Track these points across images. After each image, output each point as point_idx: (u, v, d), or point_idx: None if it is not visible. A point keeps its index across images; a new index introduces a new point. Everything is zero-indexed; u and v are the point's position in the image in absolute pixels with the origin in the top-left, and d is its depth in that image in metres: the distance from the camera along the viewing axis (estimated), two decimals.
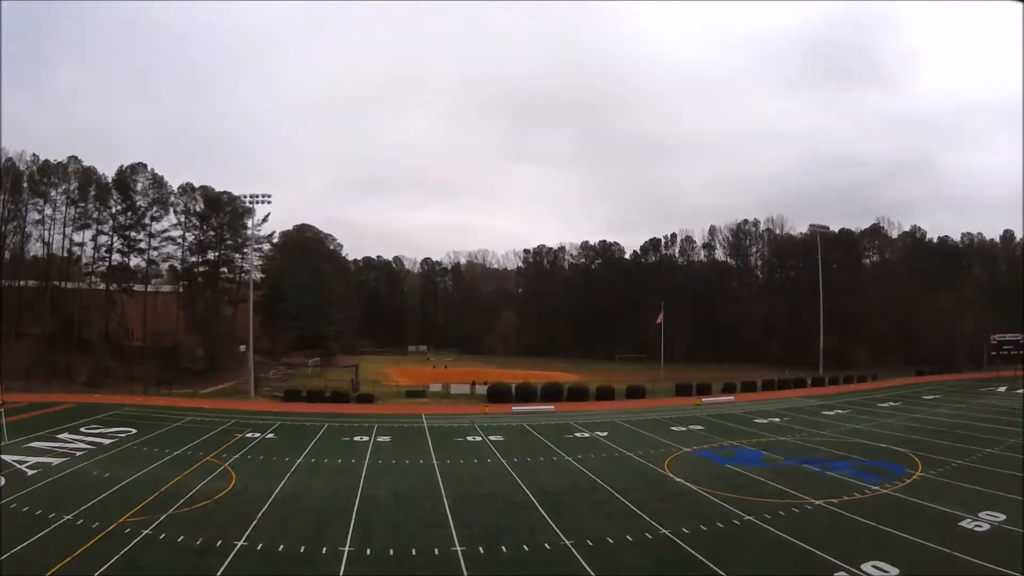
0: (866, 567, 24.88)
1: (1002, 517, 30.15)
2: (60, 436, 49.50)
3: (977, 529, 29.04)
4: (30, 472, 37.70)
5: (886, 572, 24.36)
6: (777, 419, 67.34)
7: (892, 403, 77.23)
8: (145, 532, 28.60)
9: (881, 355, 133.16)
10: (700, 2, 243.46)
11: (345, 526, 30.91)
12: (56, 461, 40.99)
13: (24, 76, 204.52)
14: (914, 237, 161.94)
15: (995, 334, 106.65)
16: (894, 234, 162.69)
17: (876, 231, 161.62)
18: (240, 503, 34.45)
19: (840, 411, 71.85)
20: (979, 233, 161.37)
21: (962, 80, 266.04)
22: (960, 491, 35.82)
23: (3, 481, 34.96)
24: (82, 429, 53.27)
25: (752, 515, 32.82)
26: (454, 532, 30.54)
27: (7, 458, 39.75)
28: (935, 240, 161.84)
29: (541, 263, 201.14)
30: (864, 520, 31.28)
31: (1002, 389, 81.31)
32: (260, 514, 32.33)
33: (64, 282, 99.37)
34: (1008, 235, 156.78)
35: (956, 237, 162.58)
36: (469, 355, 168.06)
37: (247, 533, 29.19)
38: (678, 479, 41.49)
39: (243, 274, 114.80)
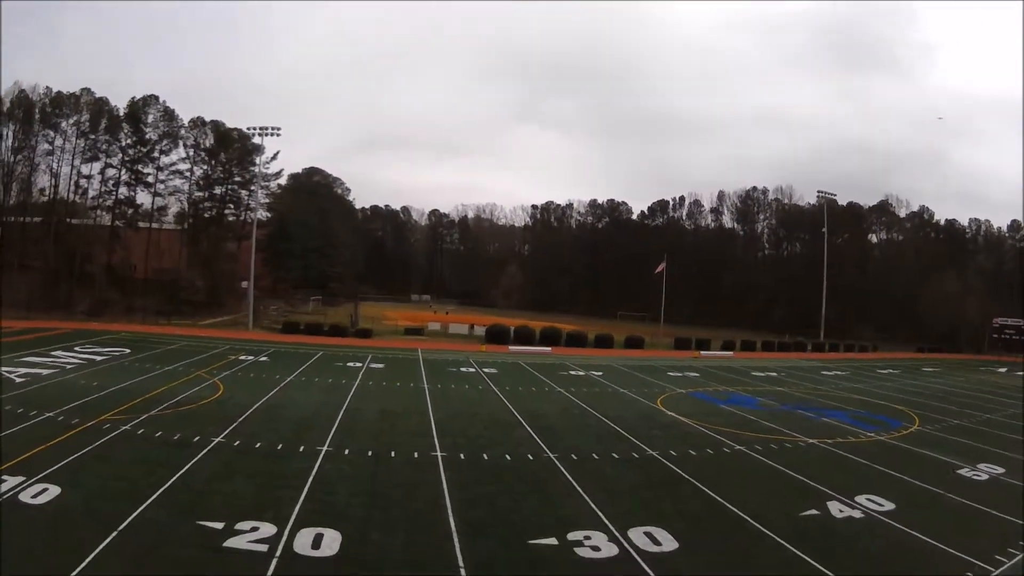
0: (860, 499, 24.19)
1: (1001, 470, 29.40)
2: (54, 353, 49.05)
3: (975, 478, 28.28)
4: (18, 380, 37.22)
5: (881, 505, 23.61)
6: (774, 373, 66.88)
7: (892, 370, 76.50)
8: (124, 428, 28.26)
9: (883, 331, 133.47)
10: None
11: (326, 431, 30.53)
12: (46, 372, 40.59)
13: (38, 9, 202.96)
14: (922, 218, 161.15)
15: (997, 319, 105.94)
16: (902, 213, 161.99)
17: (884, 208, 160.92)
18: (223, 409, 34.08)
19: (839, 372, 71.22)
20: (987, 220, 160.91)
21: (974, 76, 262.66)
22: (958, 445, 35.06)
23: None
24: (76, 348, 52.93)
25: (743, 446, 32.36)
26: (436, 441, 30.24)
27: None
28: (942, 222, 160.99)
29: (548, 220, 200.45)
30: (859, 459, 30.67)
31: (1003, 370, 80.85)
32: (242, 418, 31.98)
33: (70, 218, 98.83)
34: (1015, 225, 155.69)
35: (963, 220, 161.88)
36: (471, 306, 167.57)
37: (226, 432, 28.88)
38: (670, 413, 41.12)
39: (249, 211, 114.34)
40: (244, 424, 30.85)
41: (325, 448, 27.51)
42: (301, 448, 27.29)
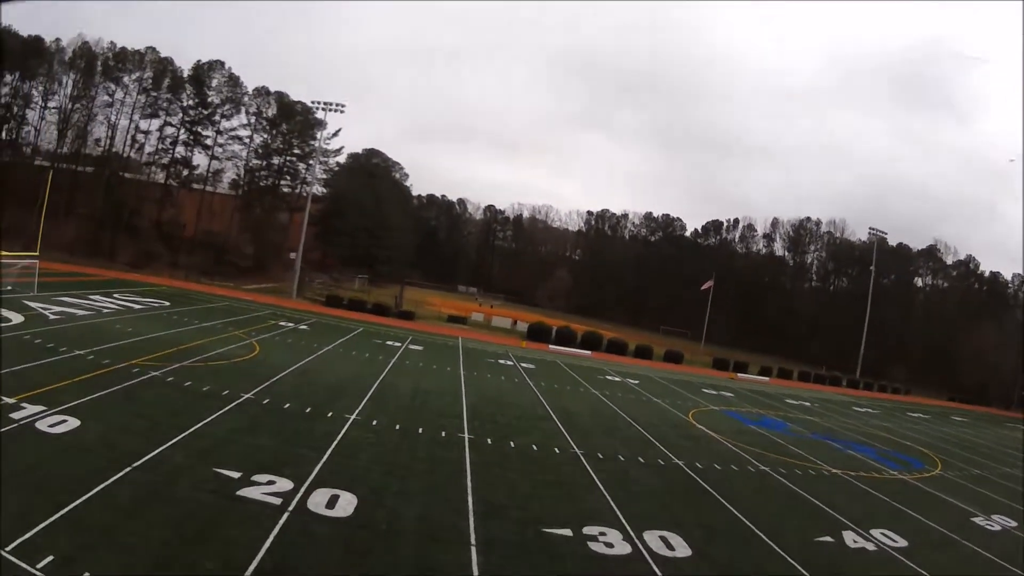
0: (875, 532, 23.64)
1: (1014, 523, 28.64)
2: (91, 297, 48.66)
3: (989, 527, 27.58)
4: (52, 316, 37.00)
5: (895, 541, 23.05)
6: (807, 403, 65.48)
7: (921, 415, 74.72)
8: (153, 374, 28.01)
9: (917, 376, 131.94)
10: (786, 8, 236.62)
11: (357, 401, 30.16)
12: (81, 313, 40.34)
13: None
14: (967, 267, 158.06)
15: None
16: (949, 260, 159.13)
17: (932, 253, 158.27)
18: (257, 368, 33.73)
19: (870, 410, 69.50)
20: None
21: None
22: (976, 494, 34.14)
23: (22, 319, 34.32)
24: (115, 295, 52.65)
25: (767, 467, 31.72)
26: (465, 423, 29.80)
27: (32, 304, 39.13)
28: (987, 274, 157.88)
29: (603, 227, 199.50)
30: (878, 494, 29.96)
31: None
32: (275, 379, 31.68)
33: (123, 172, 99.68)
34: None
35: (1007, 274, 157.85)
36: (517, 303, 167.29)
37: (256, 390, 28.57)
38: (700, 426, 40.37)
39: (305, 185, 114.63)
40: (276, 385, 30.49)
41: (353, 416, 27.13)
42: (329, 414, 26.91)
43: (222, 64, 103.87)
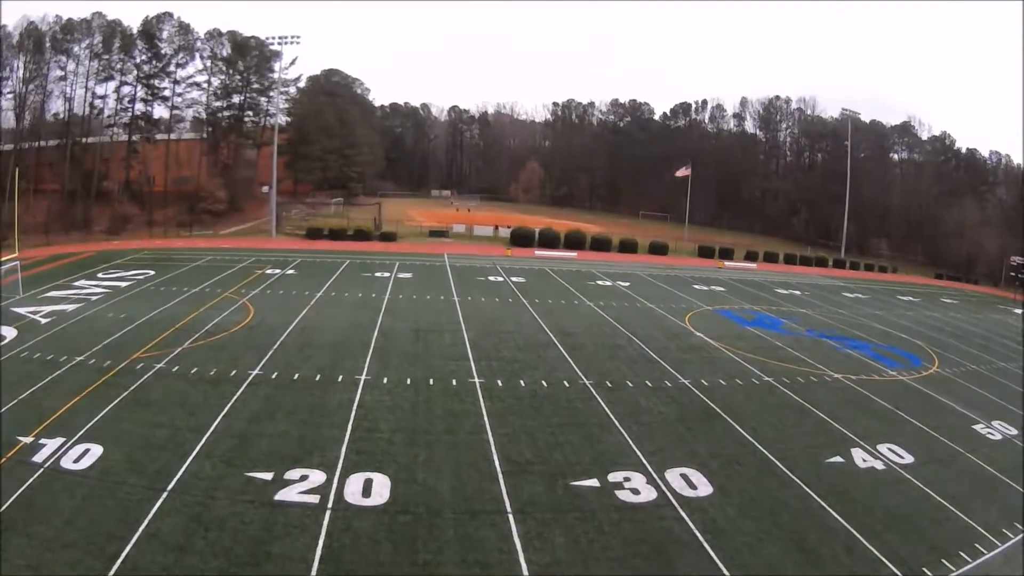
0: (882, 448, 24.51)
1: (1014, 431, 28.95)
2: (77, 283, 47.62)
3: (990, 436, 27.99)
4: (44, 321, 36.03)
5: (902, 458, 23.92)
6: (798, 292, 66.48)
7: (911, 298, 75.27)
8: (158, 367, 27.93)
9: (900, 251, 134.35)
10: None
11: (362, 357, 30.45)
12: (71, 307, 39.48)
13: None
14: (943, 143, 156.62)
15: (1015, 256, 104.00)
16: (924, 135, 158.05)
17: (906, 128, 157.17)
18: (256, 336, 33.82)
19: (860, 295, 70.40)
20: (1007, 155, 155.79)
21: None
22: (975, 395, 34.44)
23: (15, 333, 33.87)
24: (99, 275, 51.67)
25: (771, 377, 32.52)
26: (472, 365, 30.23)
27: (21, 310, 38.07)
28: (964, 150, 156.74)
29: (570, 117, 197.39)
30: (881, 401, 30.62)
31: (1019, 311, 79.71)
32: (276, 345, 31.84)
33: (84, 138, 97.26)
34: None
35: (984, 152, 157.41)
36: (492, 202, 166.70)
37: (262, 363, 28.75)
38: (698, 333, 41.12)
39: (268, 118, 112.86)
40: (279, 353, 30.62)
41: (363, 377, 27.46)
42: (339, 378, 27.22)
43: (170, 15, 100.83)
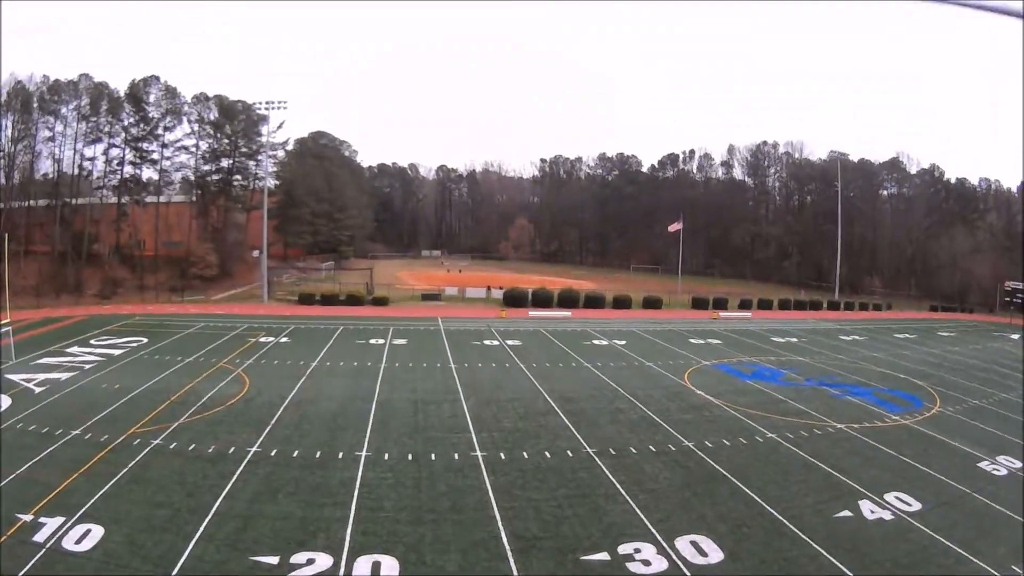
0: (889, 498, 24.33)
1: (1018, 464, 29.12)
2: (70, 350, 47.62)
3: (995, 472, 28.11)
4: (38, 390, 35.88)
5: (909, 505, 23.78)
6: (794, 339, 66.57)
7: (908, 335, 75.78)
8: (155, 442, 27.53)
9: (893, 286, 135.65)
10: None
11: (362, 431, 30.08)
12: (65, 376, 39.32)
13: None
14: (932, 175, 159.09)
15: (1009, 281, 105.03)
16: (913, 169, 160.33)
17: (895, 164, 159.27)
18: (253, 409, 33.46)
19: (857, 337, 70.72)
20: (996, 180, 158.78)
21: None
22: (978, 432, 34.72)
23: (9, 402, 33.53)
24: (92, 341, 51.65)
25: (774, 433, 32.25)
26: (474, 437, 29.84)
27: (15, 377, 37.90)
28: (953, 180, 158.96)
29: (557, 173, 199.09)
30: (886, 449, 30.50)
31: (1015, 336, 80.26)
32: (274, 420, 31.43)
33: (74, 198, 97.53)
34: None
35: (974, 180, 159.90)
36: (483, 261, 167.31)
37: (261, 439, 28.34)
38: (699, 391, 40.80)
39: (257, 181, 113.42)
40: (277, 427, 30.26)
41: (364, 453, 27.06)
42: (340, 454, 26.83)
43: (157, 78, 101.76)
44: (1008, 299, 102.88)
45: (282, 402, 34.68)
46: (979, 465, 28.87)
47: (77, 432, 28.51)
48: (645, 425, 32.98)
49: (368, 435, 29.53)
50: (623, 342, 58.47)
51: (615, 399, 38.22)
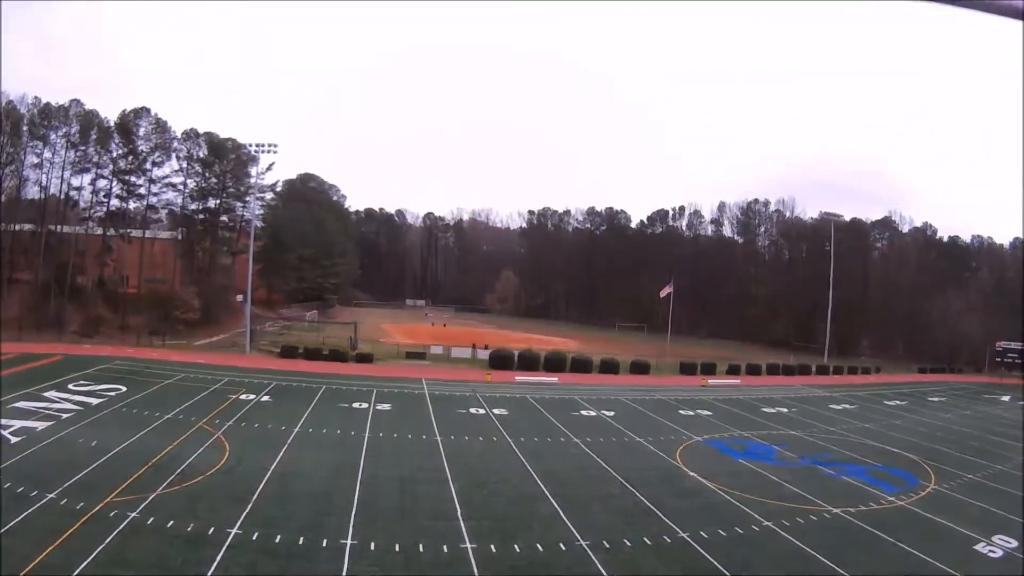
0: None
1: (1014, 544, 29.11)
2: (47, 394, 47.01)
3: (992, 555, 28.04)
4: (13, 440, 35.18)
5: None
6: (785, 409, 66.03)
7: (899, 401, 76.00)
8: (132, 516, 26.39)
9: (882, 347, 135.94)
10: None
11: (347, 513, 28.97)
12: (41, 426, 38.54)
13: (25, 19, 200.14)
14: (924, 233, 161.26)
15: (1000, 341, 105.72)
16: (904, 228, 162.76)
17: (887, 223, 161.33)
18: (233, 482, 32.34)
19: (847, 406, 70.62)
20: (989, 237, 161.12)
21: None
22: (974, 510, 34.78)
23: None
24: (70, 386, 50.87)
25: (771, 521, 31.35)
26: (463, 525, 28.72)
27: None
28: (945, 239, 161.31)
29: (545, 225, 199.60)
30: (882, 535, 30.03)
31: (1006, 398, 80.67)
32: (255, 495, 30.27)
33: (60, 226, 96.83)
34: (1018, 242, 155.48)
35: (967, 238, 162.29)
36: (467, 313, 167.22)
37: (241, 519, 27.16)
38: (691, 473, 39.90)
39: (243, 223, 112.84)
40: (258, 506, 29.06)
41: (349, 542, 25.96)
42: (324, 542, 25.75)
43: (148, 110, 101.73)
44: (999, 359, 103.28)
45: (263, 474, 33.51)
46: (975, 548, 28.85)
47: (52, 496, 27.61)
48: (639, 513, 32.08)
49: (353, 519, 28.44)
50: (611, 413, 57.53)
51: (606, 482, 37.26)
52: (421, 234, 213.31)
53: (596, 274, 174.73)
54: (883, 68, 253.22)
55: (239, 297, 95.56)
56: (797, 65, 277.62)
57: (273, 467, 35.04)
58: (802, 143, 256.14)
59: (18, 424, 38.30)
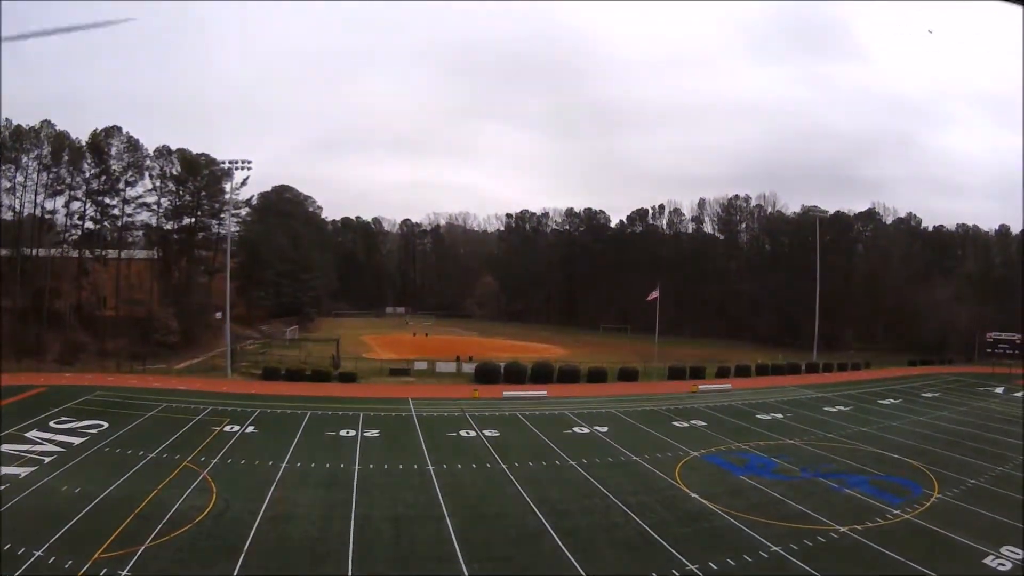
0: None
1: (1020, 553, 28.74)
2: (29, 435, 46.07)
3: (1001, 568, 27.64)
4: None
5: None
6: (779, 415, 65.52)
7: (892, 400, 75.92)
8: (122, 574, 25.51)
9: (870, 340, 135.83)
10: None
11: (343, 560, 28.11)
12: (24, 472, 37.50)
13: None
14: (909, 224, 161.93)
15: (991, 332, 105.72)
16: (889, 219, 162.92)
17: (871, 215, 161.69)
18: (224, 527, 31.35)
19: (842, 407, 70.40)
20: (974, 225, 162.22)
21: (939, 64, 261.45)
22: (979, 520, 34.41)
23: None
24: (52, 423, 49.87)
25: (779, 546, 30.58)
26: (464, 569, 27.87)
27: None
28: (930, 228, 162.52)
29: (524, 228, 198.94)
30: (891, 553, 29.49)
31: (1000, 390, 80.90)
32: (247, 544, 29.21)
33: (35, 250, 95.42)
34: (1004, 229, 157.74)
35: (951, 226, 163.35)
36: (448, 319, 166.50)
37: (236, 572, 26.24)
38: (693, 494, 39.02)
39: (219, 240, 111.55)
40: (251, 554, 28.06)
41: None
42: None
43: (119, 129, 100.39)
44: (990, 350, 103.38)
45: (254, 520, 32.42)
46: (984, 561, 28.46)
47: (40, 554, 26.63)
48: (643, 544, 31.24)
49: (350, 567, 27.58)
50: (604, 429, 56.71)
51: (607, 510, 36.37)
52: (398, 241, 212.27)
53: (577, 276, 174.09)
54: (864, 54, 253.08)
55: (218, 314, 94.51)
56: (777, 54, 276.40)
57: (263, 511, 33.90)
58: (783, 134, 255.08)
59: (3, 471, 37.36)
